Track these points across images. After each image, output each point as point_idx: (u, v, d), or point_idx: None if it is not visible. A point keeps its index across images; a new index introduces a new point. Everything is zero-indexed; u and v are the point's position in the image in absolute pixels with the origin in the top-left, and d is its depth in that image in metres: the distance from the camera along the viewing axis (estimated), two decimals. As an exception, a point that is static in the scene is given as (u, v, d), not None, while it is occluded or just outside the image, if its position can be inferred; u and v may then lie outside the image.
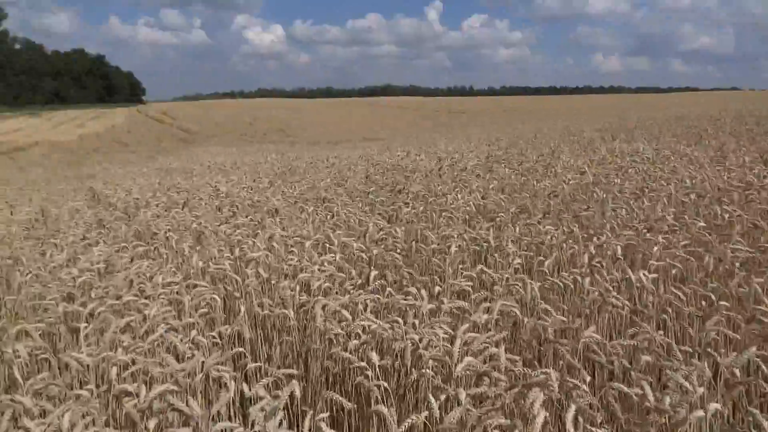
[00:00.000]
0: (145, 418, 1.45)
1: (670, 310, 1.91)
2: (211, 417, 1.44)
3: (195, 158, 13.87)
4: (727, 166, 4.56)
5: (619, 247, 2.50)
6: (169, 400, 1.46)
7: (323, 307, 1.95)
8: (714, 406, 1.22)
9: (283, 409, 1.43)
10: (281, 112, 42.19)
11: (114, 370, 1.66)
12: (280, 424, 1.25)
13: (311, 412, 1.38)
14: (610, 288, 2.03)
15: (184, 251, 2.98)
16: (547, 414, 1.28)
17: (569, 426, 1.10)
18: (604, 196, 3.59)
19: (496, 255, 2.63)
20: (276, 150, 15.87)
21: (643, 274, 2.04)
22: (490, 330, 1.79)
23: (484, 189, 4.24)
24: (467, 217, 3.43)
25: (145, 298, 2.27)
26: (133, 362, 1.74)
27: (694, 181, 3.93)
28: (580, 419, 1.22)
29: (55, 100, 68.49)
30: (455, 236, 2.88)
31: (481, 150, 8.45)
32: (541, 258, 2.50)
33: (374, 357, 1.67)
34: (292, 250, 2.69)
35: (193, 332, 1.96)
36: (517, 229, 3.04)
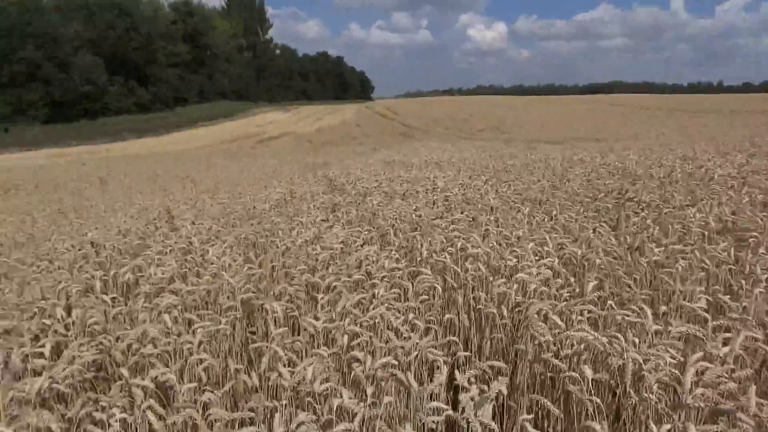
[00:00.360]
0: (368, 382, 1.64)
1: None
2: (426, 395, 1.57)
3: (413, 152, 14.66)
4: None
5: None
6: (391, 371, 1.63)
7: (537, 312, 1.95)
8: None
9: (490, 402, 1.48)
10: (497, 109, 42.04)
11: (345, 338, 1.90)
12: (493, 416, 1.30)
13: (517, 409, 1.40)
14: None
15: (409, 240, 3.22)
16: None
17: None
18: None
19: (742, 281, 2.29)
20: (490, 147, 15.90)
21: None
22: (729, 363, 1.58)
23: (736, 203, 3.68)
24: (706, 233, 3.03)
25: (372, 279, 2.53)
26: (359, 335, 1.96)
27: None
28: None
29: (302, 97, 79.11)
30: (687, 252, 2.59)
31: (733, 157, 7.29)
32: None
33: (587, 370, 1.62)
34: (514, 251, 2.70)
35: (411, 315, 2.13)
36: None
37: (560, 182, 5.59)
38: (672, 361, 1.56)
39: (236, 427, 1.52)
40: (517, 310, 2.16)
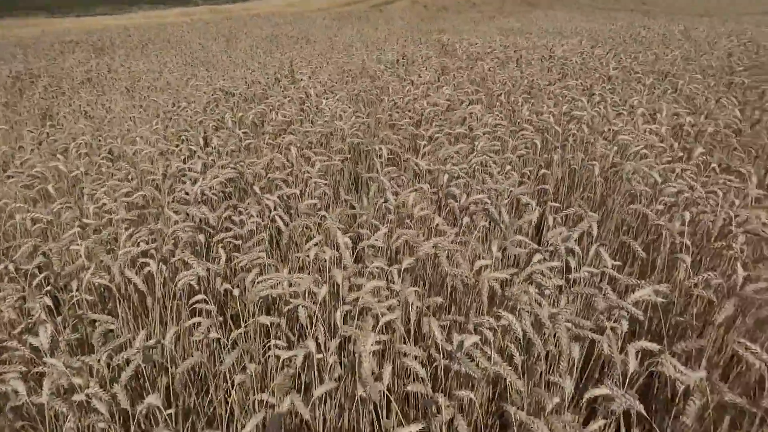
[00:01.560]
0: (462, 213, 1.83)
1: None
2: (516, 228, 1.73)
3: (535, 21, 13.61)
4: None
5: None
6: (483, 206, 1.79)
7: (635, 171, 1.98)
8: None
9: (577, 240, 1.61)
10: (641, -24, 36.67)
11: (445, 177, 2.08)
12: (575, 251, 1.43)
13: (598, 244, 1.52)
14: None
15: (516, 102, 3.22)
16: None
17: None
18: None
19: None
20: (625, 18, 14.30)
21: None
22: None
23: None
24: None
25: (474, 133, 2.63)
26: (457, 176, 2.12)
27: None
28: None
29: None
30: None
31: None
32: None
33: (677, 223, 1.67)
34: (617, 112, 2.65)
35: (508, 167, 2.25)
36: None
37: (696, 55, 5.06)
38: (766, 221, 1.57)
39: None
40: (613, 170, 2.19)
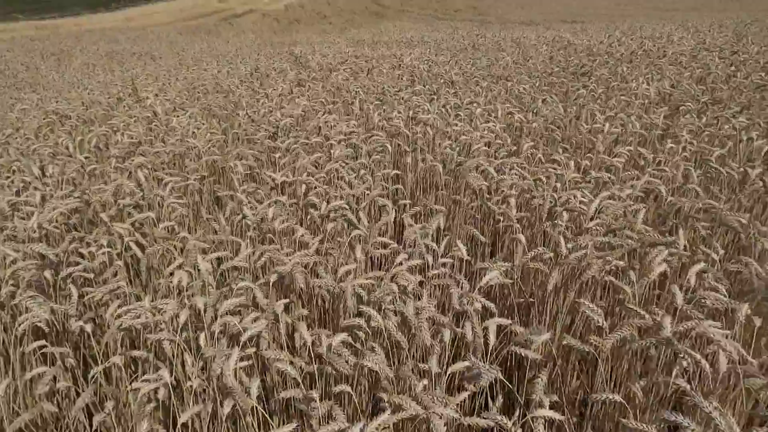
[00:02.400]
0: (323, 222, 1.88)
1: None
2: (375, 231, 1.82)
3: (384, 32, 14.20)
4: None
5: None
6: (342, 212, 1.86)
7: (476, 167, 2.18)
8: None
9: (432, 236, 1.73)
10: (476, -12, 39.90)
11: (303, 187, 2.12)
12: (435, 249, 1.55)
13: (450, 236, 1.67)
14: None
15: (368, 109, 3.36)
16: (668, 269, 1.39)
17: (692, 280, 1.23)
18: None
19: (665, 141, 2.54)
20: (465, 28, 15.48)
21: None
22: (629, 201, 1.86)
23: (678, 77, 3.88)
24: (646, 102, 3.25)
25: (329, 142, 2.70)
26: (315, 187, 2.18)
27: None
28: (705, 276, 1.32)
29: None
30: (622, 118, 2.82)
31: (693, 35, 7.37)
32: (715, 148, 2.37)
33: (513, 210, 1.88)
34: (458, 114, 2.88)
35: (362, 171, 2.35)
36: (703, 119, 2.85)
37: (524, 60, 5.66)
38: (583, 199, 1.82)
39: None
40: (458, 168, 2.39)
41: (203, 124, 3.28)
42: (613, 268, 1.40)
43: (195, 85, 5.00)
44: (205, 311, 1.32)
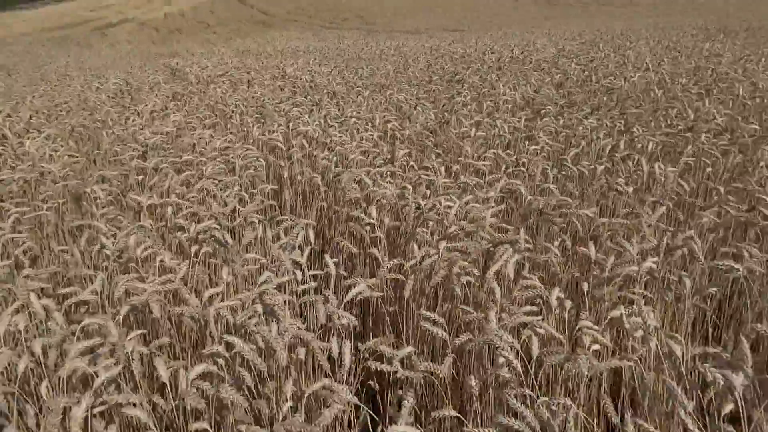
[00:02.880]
0: (191, 245, 1.79)
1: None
2: (241, 248, 1.76)
3: (270, 42, 14.02)
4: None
5: (651, 143, 2.52)
6: (211, 233, 1.78)
7: (355, 178, 2.19)
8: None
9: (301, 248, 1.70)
10: (362, -2, 40.64)
11: (169, 210, 2.00)
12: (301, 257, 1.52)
13: (318, 249, 1.65)
14: (623, 177, 2.11)
15: (248, 123, 3.27)
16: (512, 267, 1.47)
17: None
18: (661, 94, 3.47)
19: (526, 143, 2.72)
20: (351, 37, 15.67)
21: (659, 166, 2.10)
22: (492, 204, 1.96)
23: (540, 83, 4.18)
24: (511, 107, 3.46)
25: (204, 158, 2.59)
26: (185, 207, 2.07)
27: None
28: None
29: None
30: (489, 123, 2.98)
31: (559, 45, 8.01)
32: (571, 148, 2.56)
33: (386, 220, 1.91)
34: (332, 125, 2.89)
35: (236, 188, 2.27)
36: (561, 121, 3.08)
37: (404, 68, 5.82)
38: (448, 204, 1.89)
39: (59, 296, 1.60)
40: (336, 179, 2.39)
41: (62, 146, 3.01)
42: (460, 271, 1.45)
43: (56, 102, 4.59)
44: (46, 356, 1.20)
